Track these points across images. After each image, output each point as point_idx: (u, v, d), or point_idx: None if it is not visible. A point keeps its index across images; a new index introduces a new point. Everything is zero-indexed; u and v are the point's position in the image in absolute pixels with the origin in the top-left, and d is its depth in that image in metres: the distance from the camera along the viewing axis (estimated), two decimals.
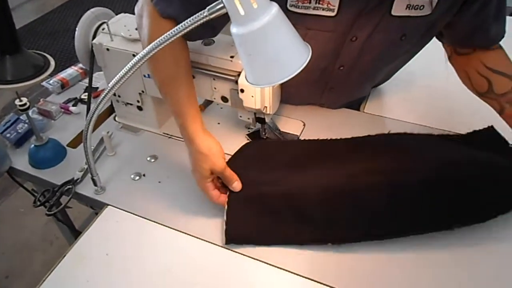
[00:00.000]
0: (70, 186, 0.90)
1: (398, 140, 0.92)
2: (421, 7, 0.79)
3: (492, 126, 0.90)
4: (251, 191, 0.81)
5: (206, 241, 0.79)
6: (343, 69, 0.92)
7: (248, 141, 0.98)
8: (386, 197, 0.76)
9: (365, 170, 0.81)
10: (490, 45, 0.89)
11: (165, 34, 0.60)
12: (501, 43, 0.90)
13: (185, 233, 0.81)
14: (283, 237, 0.78)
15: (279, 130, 1.01)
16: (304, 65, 0.58)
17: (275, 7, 0.56)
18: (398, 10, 0.79)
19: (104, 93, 0.68)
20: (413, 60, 0.99)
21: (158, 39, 0.61)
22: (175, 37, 0.59)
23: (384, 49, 0.87)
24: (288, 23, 0.58)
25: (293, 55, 0.58)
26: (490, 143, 0.87)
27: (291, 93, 0.98)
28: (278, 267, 0.74)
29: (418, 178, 0.77)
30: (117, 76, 0.68)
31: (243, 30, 0.55)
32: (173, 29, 0.59)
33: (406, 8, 0.79)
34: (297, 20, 0.78)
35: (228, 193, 0.81)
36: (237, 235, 0.78)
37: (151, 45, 0.62)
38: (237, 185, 0.80)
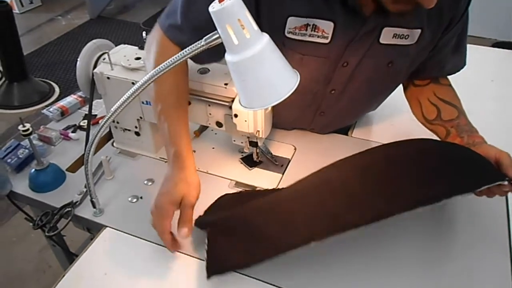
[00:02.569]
0: (69, 209, 0.93)
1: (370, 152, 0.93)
2: (406, 37, 0.86)
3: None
4: (227, 219, 0.81)
5: (203, 260, 0.82)
6: (334, 93, 0.97)
7: (223, 194, 0.95)
8: (360, 177, 0.76)
9: (338, 171, 0.82)
10: (449, 74, 1.00)
11: (167, 61, 0.65)
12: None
13: (182, 253, 0.84)
14: (265, 252, 0.74)
15: (271, 153, 1.05)
16: (293, 89, 0.63)
17: (266, 37, 0.61)
18: (385, 38, 0.86)
19: (107, 117, 0.72)
20: (400, 87, 1.05)
21: (159, 66, 0.66)
22: (176, 64, 0.65)
23: (372, 74, 0.93)
24: (278, 51, 0.63)
25: (283, 80, 0.63)
26: None
27: (284, 116, 1.03)
28: (273, 285, 0.77)
29: (385, 156, 0.79)
30: (119, 101, 0.72)
31: (237, 58, 0.61)
32: (173, 57, 0.65)
33: (393, 37, 0.86)
34: (293, 46, 0.85)
35: (208, 229, 0.80)
36: (219, 266, 0.76)
37: (151, 72, 0.67)
38: (186, 232, 0.76)
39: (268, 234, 0.75)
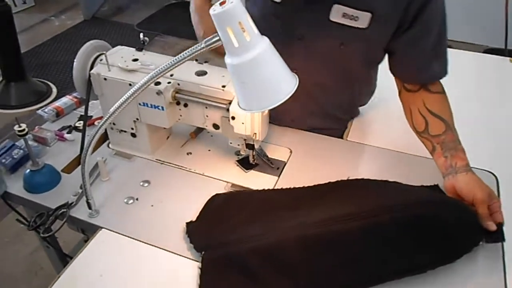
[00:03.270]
0: (65, 210, 0.93)
1: (360, 184, 0.96)
2: (356, 18, 0.90)
3: (437, 185, 0.96)
4: (225, 253, 0.80)
5: (198, 261, 0.82)
6: (296, 74, 0.98)
7: (214, 194, 0.95)
8: (362, 241, 0.78)
9: (335, 217, 0.82)
10: (430, 81, 0.99)
11: (168, 62, 0.66)
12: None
13: (177, 254, 0.84)
14: None
15: (267, 156, 1.06)
16: (292, 92, 0.64)
17: (266, 40, 0.62)
18: (335, 16, 0.90)
19: (105, 118, 0.72)
20: (393, 91, 1.06)
21: (161, 66, 0.66)
22: (175, 65, 0.65)
23: (326, 55, 0.96)
24: (277, 54, 0.64)
25: (282, 83, 0.64)
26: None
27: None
28: None
29: (390, 217, 0.80)
30: (117, 103, 0.72)
31: (237, 60, 0.61)
32: (173, 58, 0.65)
33: (342, 16, 0.90)
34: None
35: (201, 258, 0.80)
36: None
37: (150, 74, 0.68)
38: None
39: (265, 279, 0.76)
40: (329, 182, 0.97)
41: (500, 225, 0.82)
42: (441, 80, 1.00)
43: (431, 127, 0.96)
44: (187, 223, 0.87)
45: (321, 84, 1.06)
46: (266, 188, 0.98)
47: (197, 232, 0.85)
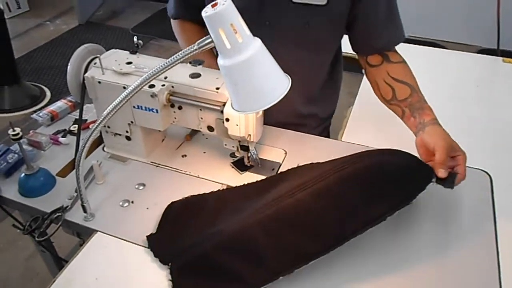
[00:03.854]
0: (60, 214, 0.92)
1: (307, 165, 0.99)
2: None
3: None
4: (190, 257, 0.80)
5: None
6: None
7: (171, 202, 0.94)
8: (315, 207, 0.79)
9: (285, 193, 0.83)
10: (389, 47, 1.07)
11: (161, 63, 0.66)
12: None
13: None
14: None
15: (258, 160, 1.03)
16: (285, 93, 0.64)
17: (258, 42, 0.62)
18: None
19: (99, 121, 0.72)
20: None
21: (155, 68, 0.67)
22: (167, 68, 0.65)
23: (293, 36, 0.98)
24: (270, 55, 0.64)
25: (274, 84, 0.64)
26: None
27: None
28: None
29: (334, 177, 0.81)
30: (111, 106, 0.73)
31: (229, 62, 0.62)
32: (166, 60, 0.65)
33: None
34: None
35: (169, 270, 0.80)
36: None
37: (144, 76, 0.68)
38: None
39: (235, 272, 0.76)
40: (280, 172, 0.99)
41: (453, 174, 0.84)
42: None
43: (397, 93, 1.02)
44: (147, 236, 0.86)
45: (291, 70, 1.06)
46: (220, 189, 0.98)
47: (159, 245, 0.84)
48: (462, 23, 3.25)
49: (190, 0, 1.08)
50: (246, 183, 0.97)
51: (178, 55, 0.65)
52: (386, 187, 0.80)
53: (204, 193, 0.96)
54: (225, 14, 0.58)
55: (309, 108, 1.21)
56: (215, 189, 0.98)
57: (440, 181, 0.85)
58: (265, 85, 0.63)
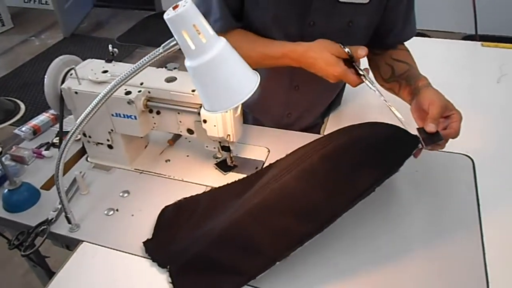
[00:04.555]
0: (45, 226, 0.92)
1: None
2: None
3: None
4: (188, 258, 0.80)
5: None
6: None
7: (164, 207, 0.94)
8: (302, 187, 0.79)
9: (271, 178, 0.85)
10: (401, 42, 1.09)
11: (133, 66, 0.66)
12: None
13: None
14: (236, 281, 0.76)
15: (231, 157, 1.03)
16: (254, 90, 0.65)
17: (223, 41, 0.63)
18: None
19: (74, 128, 0.72)
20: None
21: (125, 73, 0.67)
22: (137, 71, 0.65)
23: (336, 36, 0.97)
24: (236, 54, 0.65)
25: (242, 82, 0.64)
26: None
27: (260, 99, 1.03)
28: None
29: (319, 156, 0.82)
30: (85, 111, 0.73)
31: (195, 63, 0.62)
32: (135, 64, 0.65)
33: None
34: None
35: (168, 273, 0.80)
36: None
37: (114, 81, 0.68)
38: (365, 51, 0.88)
39: (233, 265, 0.77)
40: (269, 164, 0.99)
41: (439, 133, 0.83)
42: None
43: (396, 70, 1.03)
44: (143, 243, 0.86)
45: None
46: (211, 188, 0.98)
47: (156, 249, 0.85)
48: (446, 10, 3.27)
49: (233, 4, 1.01)
50: (236, 180, 0.98)
51: (145, 59, 0.65)
52: (370, 159, 0.80)
53: (196, 194, 0.97)
54: (186, 16, 0.59)
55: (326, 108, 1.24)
56: (200, 191, 0.98)
57: (427, 139, 0.82)
58: (233, 83, 0.63)
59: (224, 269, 0.77)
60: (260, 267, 0.75)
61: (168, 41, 0.63)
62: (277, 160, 0.99)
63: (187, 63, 0.63)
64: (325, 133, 1.17)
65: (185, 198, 0.96)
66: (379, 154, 0.81)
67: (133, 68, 0.65)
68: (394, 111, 0.86)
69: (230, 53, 0.63)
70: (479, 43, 1.59)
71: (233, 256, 0.77)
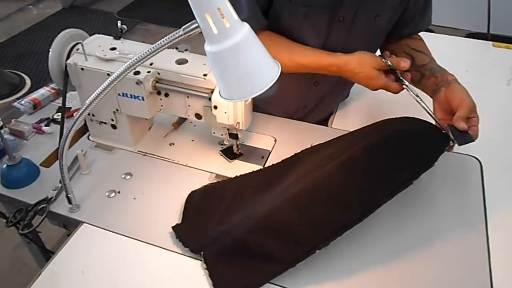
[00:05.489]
0: (44, 205, 0.90)
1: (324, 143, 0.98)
2: None
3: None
4: (223, 244, 0.79)
5: (181, 254, 0.81)
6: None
7: (190, 192, 0.92)
8: (343, 178, 0.80)
9: (310, 168, 0.85)
10: (417, 32, 1.09)
11: (146, 50, 0.63)
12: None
13: (160, 247, 0.82)
14: (273, 270, 0.76)
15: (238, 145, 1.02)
16: (274, 80, 0.62)
17: (247, 27, 0.60)
18: None
19: (82, 109, 0.70)
20: None
21: (141, 54, 0.64)
22: (155, 53, 0.62)
23: (364, 30, 0.98)
24: (259, 41, 0.62)
25: (263, 71, 0.62)
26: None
27: (279, 92, 1.00)
28: None
29: (360, 147, 0.83)
30: (94, 93, 0.70)
31: (217, 48, 0.59)
32: (152, 46, 0.63)
33: None
34: None
35: (202, 259, 0.79)
36: None
37: (128, 62, 0.65)
38: (405, 63, 0.88)
39: (271, 253, 0.76)
40: (295, 153, 0.98)
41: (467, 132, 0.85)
42: None
43: (417, 60, 1.02)
44: (173, 227, 0.84)
45: None
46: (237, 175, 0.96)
47: (188, 235, 0.83)
48: (451, 7, 3.23)
49: (261, 2, 0.95)
50: (261, 167, 0.98)
51: (163, 41, 0.62)
52: (409, 153, 0.83)
53: (222, 180, 0.95)
54: None
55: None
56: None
57: (458, 138, 0.85)
58: (254, 72, 0.61)
59: (262, 256, 0.77)
60: (299, 255, 0.75)
61: (189, 23, 0.60)
62: (303, 150, 0.98)
63: (207, 47, 0.60)
64: (333, 126, 1.16)
65: (211, 183, 0.95)
66: (417, 148, 0.84)
67: (151, 49, 0.62)
68: (433, 115, 0.88)
69: (253, 40, 0.60)
70: (490, 43, 1.57)
71: (272, 243, 0.77)
